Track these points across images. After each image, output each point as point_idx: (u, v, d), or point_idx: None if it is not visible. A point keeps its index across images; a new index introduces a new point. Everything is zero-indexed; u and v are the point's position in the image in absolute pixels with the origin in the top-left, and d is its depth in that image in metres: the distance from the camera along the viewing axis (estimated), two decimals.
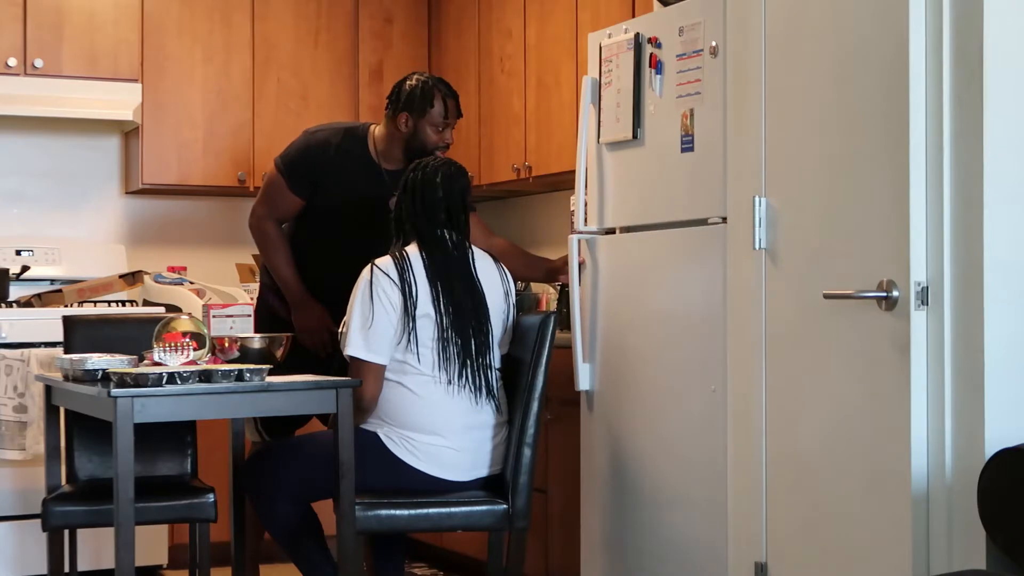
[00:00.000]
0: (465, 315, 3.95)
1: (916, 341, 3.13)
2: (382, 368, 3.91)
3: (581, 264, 4.40)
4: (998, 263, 3.04)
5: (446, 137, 4.46)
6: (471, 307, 3.97)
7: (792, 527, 3.55)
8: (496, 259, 4.15)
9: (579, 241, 4.38)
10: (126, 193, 6.15)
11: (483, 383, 3.95)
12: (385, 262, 3.93)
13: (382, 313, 3.88)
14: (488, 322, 3.99)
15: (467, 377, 3.93)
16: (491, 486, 4.01)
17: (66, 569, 4.35)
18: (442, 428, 3.92)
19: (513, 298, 4.14)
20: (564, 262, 4.56)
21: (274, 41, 6.09)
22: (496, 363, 4.03)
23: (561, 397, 4.58)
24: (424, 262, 3.94)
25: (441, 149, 4.45)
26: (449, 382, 3.92)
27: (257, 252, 4.83)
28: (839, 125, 3.38)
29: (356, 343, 3.89)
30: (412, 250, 3.97)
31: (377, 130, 4.53)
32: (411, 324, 3.89)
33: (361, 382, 3.85)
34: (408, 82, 4.47)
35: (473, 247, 4.08)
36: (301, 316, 4.52)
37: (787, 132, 3.57)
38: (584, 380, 4.36)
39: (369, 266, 3.94)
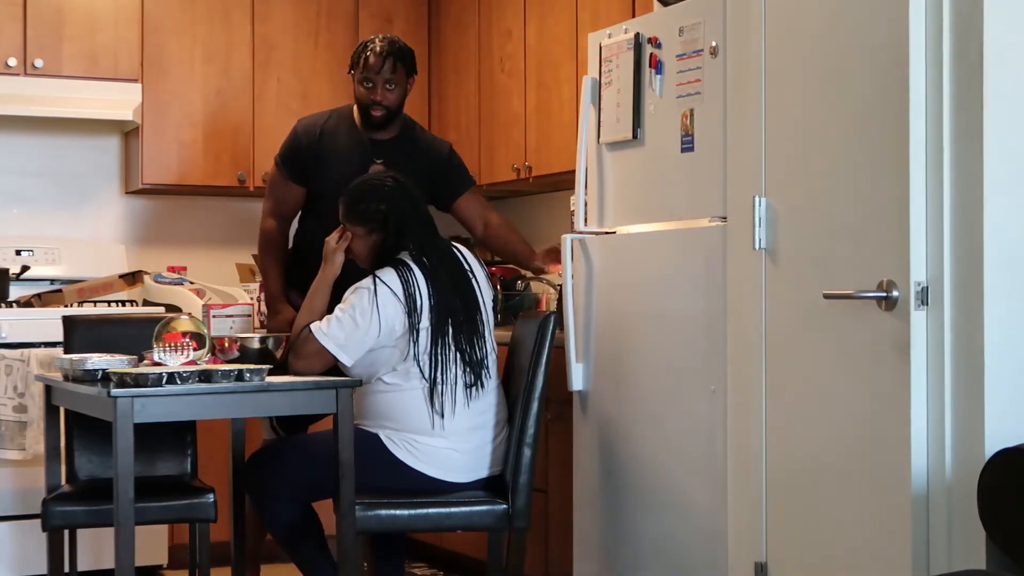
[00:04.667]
0: (463, 317, 3.95)
1: (916, 341, 3.13)
2: (334, 361, 3.92)
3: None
4: (998, 263, 3.04)
5: (375, 94, 4.49)
6: (468, 306, 3.98)
7: (792, 527, 3.55)
8: (468, 248, 4.19)
9: (572, 241, 4.38)
10: (126, 193, 6.15)
11: (481, 376, 3.95)
12: (390, 277, 3.91)
13: (376, 328, 3.88)
14: (483, 317, 4.00)
15: (467, 377, 3.93)
16: (491, 486, 4.01)
17: (66, 569, 4.35)
18: (445, 430, 3.92)
19: (489, 279, 4.18)
20: (550, 258, 4.60)
21: (274, 41, 6.08)
22: (492, 350, 4.03)
23: (561, 397, 4.58)
24: (425, 272, 3.93)
25: (374, 108, 4.50)
26: (449, 384, 3.92)
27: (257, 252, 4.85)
28: (839, 125, 3.38)
29: (336, 338, 3.89)
30: (409, 260, 3.96)
31: None
32: (415, 336, 3.89)
33: (355, 381, 3.87)
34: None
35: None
36: (271, 319, 4.59)
37: (787, 132, 3.57)
38: (577, 380, 4.35)
39: (372, 278, 3.92)
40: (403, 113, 4.64)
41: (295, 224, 4.76)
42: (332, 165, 4.54)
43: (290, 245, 4.75)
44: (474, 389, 3.94)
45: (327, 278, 4.10)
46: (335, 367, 3.98)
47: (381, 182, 4.06)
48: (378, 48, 4.50)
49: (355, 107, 4.62)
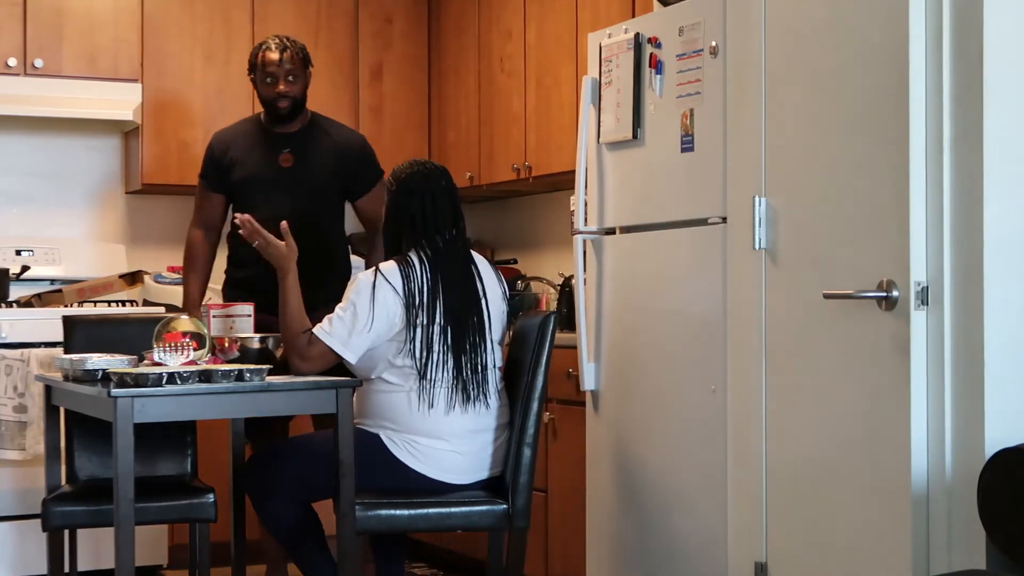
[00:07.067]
0: (466, 321, 3.94)
1: (916, 341, 3.13)
2: (338, 359, 3.93)
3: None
4: (998, 263, 3.04)
5: (278, 86, 4.75)
6: (472, 313, 3.96)
7: (792, 527, 3.55)
8: (491, 262, 4.17)
9: (584, 241, 4.38)
10: (126, 193, 6.15)
11: (483, 386, 3.95)
12: (390, 269, 3.91)
13: (376, 320, 3.87)
14: (487, 327, 3.98)
15: (468, 382, 3.92)
16: (491, 486, 4.01)
17: (66, 569, 4.35)
18: (446, 432, 3.92)
19: (507, 297, 4.15)
20: None
21: None
22: (498, 362, 4.03)
23: (561, 397, 4.58)
24: (427, 270, 3.92)
25: (280, 100, 4.75)
26: (451, 387, 3.91)
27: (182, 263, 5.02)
28: (839, 125, 3.38)
29: (340, 336, 3.88)
30: (414, 256, 3.96)
31: None
32: (412, 333, 3.88)
33: (355, 381, 3.87)
34: None
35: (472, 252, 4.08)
36: None
37: (787, 132, 3.57)
38: (589, 380, 4.35)
39: (373, 270, 3.92)
40: (308, 109, 4.88)
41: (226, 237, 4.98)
42: (243, 164, 4.81)
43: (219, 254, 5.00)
44: (470, 394, 3.92)
45: (289, 282, 4.05)
46: (336, 366, 3.98)
47: (411, 170, 4.04)
48: (273, 45, 4.78)
49: (262, 112, 4.87)
